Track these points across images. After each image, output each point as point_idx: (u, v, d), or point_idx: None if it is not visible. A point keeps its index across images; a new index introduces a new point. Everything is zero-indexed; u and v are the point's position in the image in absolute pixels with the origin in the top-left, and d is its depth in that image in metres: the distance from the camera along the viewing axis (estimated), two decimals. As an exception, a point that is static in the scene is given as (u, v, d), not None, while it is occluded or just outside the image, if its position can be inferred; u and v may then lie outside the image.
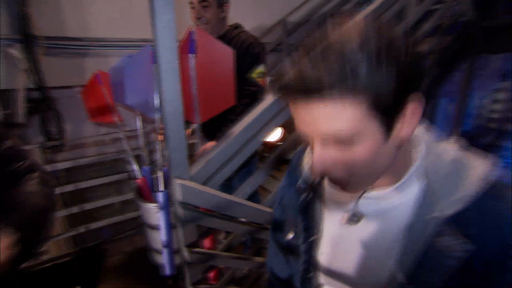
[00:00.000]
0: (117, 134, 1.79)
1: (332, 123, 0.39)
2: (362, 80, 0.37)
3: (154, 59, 1.42)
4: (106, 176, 2.09)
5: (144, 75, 1.41)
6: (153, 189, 1.71)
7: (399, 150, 0.46)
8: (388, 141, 0.42)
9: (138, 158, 1.77)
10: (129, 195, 2.18)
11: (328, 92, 0.38)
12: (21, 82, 1.64)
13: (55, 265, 1.94)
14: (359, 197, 0.53)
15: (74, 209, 2.01)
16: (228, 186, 1.61)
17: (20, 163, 0.78)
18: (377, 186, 0.51)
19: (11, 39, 1.58)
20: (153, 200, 1.62)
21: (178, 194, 0.88)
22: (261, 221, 1.14)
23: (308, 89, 0.38)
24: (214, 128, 1.41)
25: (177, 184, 0.85)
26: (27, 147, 1.80)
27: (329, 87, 0.37)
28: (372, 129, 0.40)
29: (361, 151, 0.41)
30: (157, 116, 1.40)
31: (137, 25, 1.87)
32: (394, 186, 0.49)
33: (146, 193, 1.69)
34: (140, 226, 1.78)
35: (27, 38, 1.58)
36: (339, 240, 0.57)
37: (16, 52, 1.60)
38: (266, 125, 1.07)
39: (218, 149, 0.98)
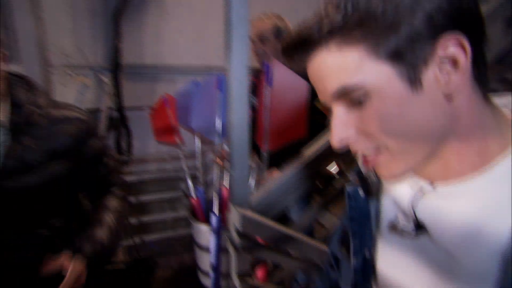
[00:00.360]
0: (177, 153, 1.90)
1: (336, 76, 0.34)
2: (351, 14, 0.32)
3: (220, 86, 1.50)
4: (163, 192, 2.22)
5: (209, 102, 1.50)
6: (206, 210, 1.75)
7: (461, 110, 0.33)
8: (419, 90, 0.32)
9: (194, 178, 1.85)
10: (182, 213, 2.26)
11: (319, 37, 0.33)
12: (105, 104, 1.88)
13: (111, 271, 2.07)
14: (416, 193, 0.39)
15: (133, 220, 2.15)
16: (283, 216, 1.58)
17: (114, 177, 0.90)
18: (445, 177, 0.36)
19: (103, 68, 1.85)
20: (205, 221, 1.65)
21: (236, 223, 0.88)
22: (316, 259, 1.08)
23: (302, 42, 0.35)
24: (280, 156, 1.41)
25: (237, 213, 0.85)
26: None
27: (318, 32, 0.33)
28: (386, 75, 0.32)
29: (380, 105, 0.33)
30: (218, 141, 1.46)
31: (203, 54, 2.02)
32: (476, 174, 0.34)
33: (199, 213, 1.74)
34: (190, 244, 1.82)
35: (115, 67, 1.83)
36: (396, 261, 0.42)
37: (105, 78, 1.86)
38: (328, 158, 1.04)
39: (281, 179, 0.96)
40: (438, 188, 0.37)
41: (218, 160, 1.55)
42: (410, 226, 0.39)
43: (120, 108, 1.94)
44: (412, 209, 0.39)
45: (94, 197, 0.88)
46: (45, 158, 0.75)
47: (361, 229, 0.46)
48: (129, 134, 2.05)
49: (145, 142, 2.16)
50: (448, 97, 0.33)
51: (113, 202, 0.87)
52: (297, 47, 0.36)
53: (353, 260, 0.47)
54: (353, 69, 0.33)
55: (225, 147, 1.56)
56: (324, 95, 0.37)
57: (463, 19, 0.32)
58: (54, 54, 1.80)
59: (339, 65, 0.33)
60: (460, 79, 0.32)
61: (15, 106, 0.72)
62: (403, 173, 0.36)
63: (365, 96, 0.33)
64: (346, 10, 0.32)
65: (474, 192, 0.34)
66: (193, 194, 1.78)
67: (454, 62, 0.32)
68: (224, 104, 1.47)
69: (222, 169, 1.52)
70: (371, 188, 0.47)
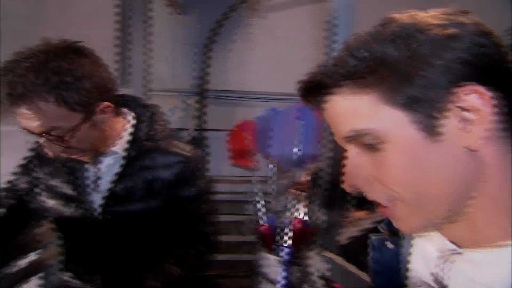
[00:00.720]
0: (248, 177, 1.95)
1: (349, 120, 0.34)
2: (365, 61, 0.33)
3: (300, 116, 1.51)
4: (230, 214, 2.28)
5: (289, 130, 1.52)
6: (276, 240, 1.73)
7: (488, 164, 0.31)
8: (436, 139, 0.31)
9: (265, 204, 1.86)
10: (246, 238, 2.28)
11: (332, 81, 0.34)
12: (189, 124, 2.08)
13: None
14: (444, 256, 0.37)
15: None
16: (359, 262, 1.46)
17: (201, 228, 0.87)
18: (474, 240, 0.34)
19: (190, 92, 2.07)
20: (273, 250, 1.63)
21: (321, 267, 0.83)
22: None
23: (317, 85, 0.36)
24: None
25: (324, 257, 0.81)
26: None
27: (332, 76, 0.34)
28: (400, 122, 0.32)
29: (394, 152, 0.32)
30: (295, 170, 1.46)
31: (284, 81, 2.09)
32: (508, 241, 0.32)
33: (268, 242, 1.72)
34: (253, 271, 1.80)
35: (201, 91, 2.03)
36: None
37: (192, 101, 2.07)
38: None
39: (370, 222, 0.89)
40: (467, 253, 0.35)
41: (294, 190, 1.54)
42: None
43: (201, 129, 2.12)
44: (440, 274, 0.37)
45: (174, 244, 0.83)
46: (145, 189, 0.78)
47: (386, 285, 0.44)
48: (206, 154, 2.21)
49: (220, 163, 2.29)
50: (471, 149, 0.31)
51: (190, 259, 0.83)
52: (312, 90, 0.37)
53: None
54: (366, 114, 0.33)
55: (302, 177, 1.55)
56: (338, 138, 0.37)
57: (486, 69, 0.31)
58: (154, 80, 2.08)
59: (352, 109, 0.34)
60: (483, 131, 0.31)
61: (133, 139, 0.78)
62: (423, 228, 0.35)
63: (378, 142, 0.33)
64: (360, 56, 0.33)
65: (506, 263, 0.31)
66: (263, 221, 1.78)
67: (476, 113, 0.31)
68: (304, 134, 1.47)
69: (297, 199, 1.50)
70: (401, 241, 0.44)
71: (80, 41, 0.69)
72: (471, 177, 0.32)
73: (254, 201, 1.91)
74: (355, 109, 0.34)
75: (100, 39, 2.03)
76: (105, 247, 0.81)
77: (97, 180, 0.79)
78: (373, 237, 0.46)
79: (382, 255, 0.45)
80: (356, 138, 0.34)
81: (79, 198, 0.79)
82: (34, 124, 0.64)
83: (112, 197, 0.77)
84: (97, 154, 0.76)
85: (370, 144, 0.34)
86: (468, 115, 0.31)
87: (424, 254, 0.41)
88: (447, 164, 0.32)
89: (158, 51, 2.10)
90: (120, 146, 0.78)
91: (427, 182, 0.32)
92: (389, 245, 0.45)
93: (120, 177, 0.77)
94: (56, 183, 0.80)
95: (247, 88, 2.20)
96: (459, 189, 0.32)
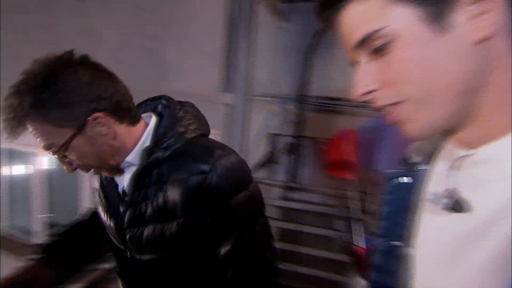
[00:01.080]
0: (347, 191, 1.84)
1: (361, 25, 0.35)
2: None
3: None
4: (320, 227, 2.21)
5: (398, 145, 1.37)
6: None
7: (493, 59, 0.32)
8: (445, 33, 0.32)
9: (362, 223, 1.73)
10: (333, 255, 2.17)
11: None
12: (286, 130, 2.11)
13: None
14: (454, 163, 0.38)
15: (284, 246, 2.24)
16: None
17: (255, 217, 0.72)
18: (486, 139, 0.34)
19: (290, 98, 2.10)
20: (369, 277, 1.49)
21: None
22: None
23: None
24: None
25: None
26: (266, 181, 2.24)
27: None
28: (410, 17, 0.33)
29: (403, 49, 0.33)
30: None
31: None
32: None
33: (364, 266, 1.59)
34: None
35: (300, 97, 2.04)
36: (438, 244, 0.40)
37: (290, 107, 2.10)
38: None
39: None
40: (475, 153, 0.36)
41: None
42: (447, 201, 0.38)
43: (299, 136, 2.13)
44: (451, 185, 0.38)
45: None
46: (162, 203, 0.68)
47: (393, 214, 0.47)
48: (299, 161, 2.20)
49: (314, 172, 2.25)
50: (480, 41, 0.32)
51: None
52: (327, 4, 0.39)
53: (377, 242, 0.48)
54: (376, 16, 0.34)
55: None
56: (349, 50, 0.38)
57: None
58: (254, 85, 2.20)
59: (364, 14, 0.35)
60: (494, 19, 0.31)
61: (146, 151, 0.69)
62: (429, 128, 0.36)
63: (388, 41, 0.34)
64: None
65: (500, 157, 0.33)
66: (359, 241, 1.65)
67: (487, 3, 0.31)
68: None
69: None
70: (417, 176, 0.45)
71: (72, 49, 0.64)
72: (479, 71, 0.33)
73: (349, 218, 1.79)
74: (366, 13, 0.35)
75: (209, 49, 2.26)
76: (134, 261, 0.75)
77: (124, 193, 0.74)
78: (389, 171, 0.49)
79: (393, 186, 0.48)
80: (367, 40, 0.36)
81: (111, 212, 0.77)
82: (37, 142, 0.64)
83: (129, 211, 0.71)
84: (113, 167, 0.71)
85: (380, 47, 0.35)
86: (479, 4, 0.31)
87: (437, 174, 0.42)
88: (455, 58, 0.33)
89: (261, 57, 2.21)
90: (133, 156, 0.69)
91: (435, 77, 0.33)
92: (405, 179, 0.47)
93: (136, 190, 0.70)
94: (101, 194, 0.81)
95: (349, 96, 2.11)
96: (466, 84, 0.33)
